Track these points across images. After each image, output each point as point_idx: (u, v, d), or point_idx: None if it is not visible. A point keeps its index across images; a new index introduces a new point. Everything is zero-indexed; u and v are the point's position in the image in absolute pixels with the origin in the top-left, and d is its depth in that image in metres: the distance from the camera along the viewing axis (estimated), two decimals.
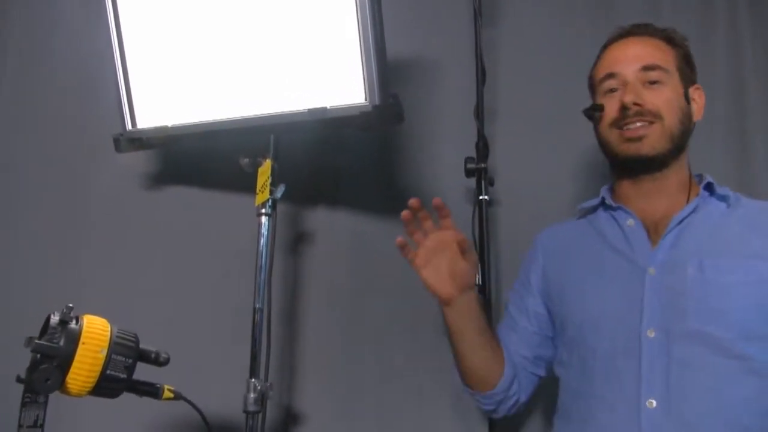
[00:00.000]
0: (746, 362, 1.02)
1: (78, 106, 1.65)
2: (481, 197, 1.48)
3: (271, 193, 1.32)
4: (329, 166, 1.62)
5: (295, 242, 1.58)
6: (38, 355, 0.92)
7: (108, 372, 0.96)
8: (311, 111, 1.28)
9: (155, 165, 1.62)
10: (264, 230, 1.33)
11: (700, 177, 1.20)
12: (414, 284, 1.58)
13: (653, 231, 1.15)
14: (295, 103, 1.29)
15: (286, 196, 1.34)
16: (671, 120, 1.14)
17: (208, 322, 1.53)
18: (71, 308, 0.96)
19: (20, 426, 0.91)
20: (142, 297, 1.54)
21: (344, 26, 1.23)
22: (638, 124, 1.14)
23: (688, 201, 1.15)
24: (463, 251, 1.13)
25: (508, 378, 1.21)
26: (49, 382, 0.91)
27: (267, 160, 1.35)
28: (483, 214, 1.48)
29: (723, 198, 1.15)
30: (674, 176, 1.17)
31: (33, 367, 0.92)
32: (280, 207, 1.37)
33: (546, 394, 1.31)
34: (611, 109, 1.18)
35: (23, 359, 0.94)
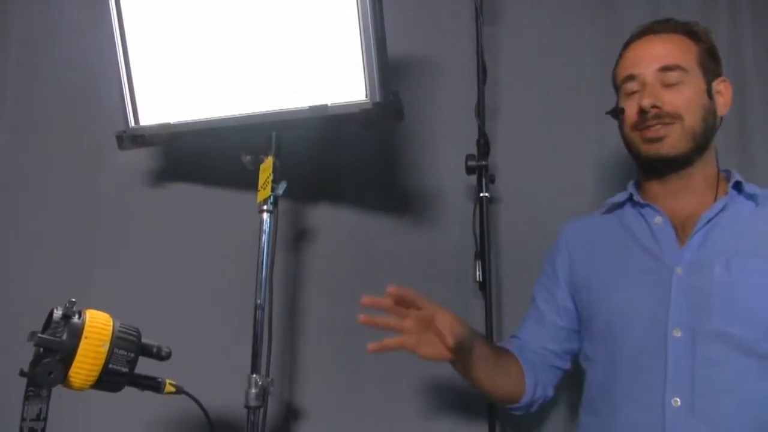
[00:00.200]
0: None
1: (81, 104, 1.65)
2: (481, 194, 1.49)
3: (273, 190, 1.33)
4: (331, 163, 1.62)
5: (297, 239, 1.59)
6: (41, 349, 0.93)
7: (110, 366, 0.97)
8: (312, 108, 1.28)
9: (158, 162, 1.63)
10: (265, 227, 1.33)
11: (728, 173, 1.19)
12: (414, 282, 1.60)
13: (681, 229, 1.14)
14: (296, 100, 1.30)
15: (287, 193, 1.35)
16: (692, 119, 1.13)
17: (210, 317, 1.54)
18: (74, 303, 0.97)
19: (23, 419, 0.92)
20: (145, 292, 1.55)
21: (345, 24, 1.23)
22: (658, 125, 1.14)
23: (716, 199, 1.14)
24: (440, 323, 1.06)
25: (531, 389, 1.23)
26: (51, 375, 0.92)
27: (269, 158, 1.35)
28: (484, 212, 1.48)
29: (751, 197, 1.14)
30: (700, 174, 1.16)
31: (36, 360, 0.93)
32: (281, 204, 1.37)
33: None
34: (631, 112, 1.17)
35: (26, 353, 0.95)
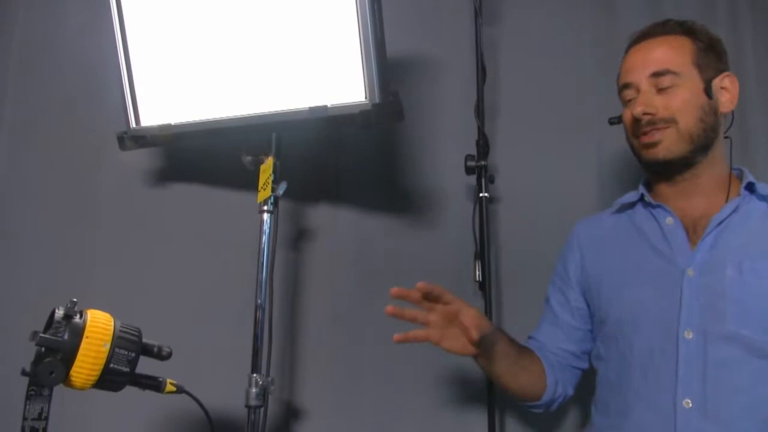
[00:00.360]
0: None
1: (82, 105, 1.66)
2: (481, 194, 1.49)
3: (273, 190, 1.33)
4: (331, 163, 1.63)
5: (297, 239, 1.59)
6: (43, 349, 0.93)
7: (111, 365, 0.97)
8: (312, 109, 1.29)
9: (159, 163, 1.63)
10: (266, 227, 1.33)
11: (740, 172, 1.18)
12: (414, 282, 1.61)
13: (692, 230, 1.14)
14: (296, 101, 1.30)
15: (287, 194, 1.35)
16: (687, 122, 1.12)
17: (210, 317, 1.54)
18: (75, 303, 0.97)
19: (25, 418, 0.92)
20: (146, 292, 1.55)
21: (345, 25, 1.24)
22: (652, 131, 1.14)
23: (727, 199, 1.13)
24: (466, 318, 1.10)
25: (552, 386, 1.24)
26: (53, 375, 0.92)
27: (269, 158, 1.36)
28: (483, 212, 1.49)
29: (764, 198, 1.13)
30: (706, 174, 1.16)
31: (38, 360, 0.93)
32: (281, 204, 1.38)
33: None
34: (628, 120, 1.18)
35: (28, 353, 0.95)
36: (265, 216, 1.34)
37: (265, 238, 1.33)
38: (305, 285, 1.58)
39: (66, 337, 0.94)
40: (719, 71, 1.16)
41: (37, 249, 1.60)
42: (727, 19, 1.69)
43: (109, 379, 0.98)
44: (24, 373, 0.93)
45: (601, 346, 1.21)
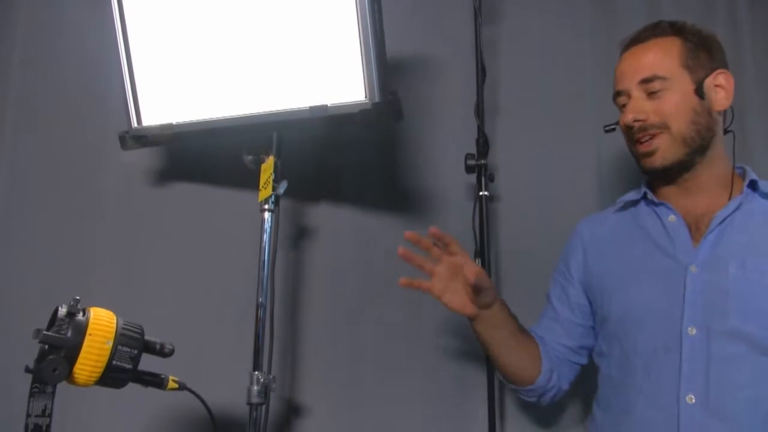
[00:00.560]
0: None
1: (84, 105, 1.66)
2: (481, 193, 1.49)
3: (274, 189, 1.34)
4: (331, 162, 1.63)
5: (298, 238, 1.60)
6: (46, 346, 0.94)
7: (114, 362, 0.97)
8: (312, 109, 1.29)
9: (160, 162, 1.64)
10: (267, 226, 1.34)
11: (743, 170, 1.18)
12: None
13: (695, 228, 1.14)
14: (296, 101, 1.31)
15: (288, 192, 1.36)
16: (679, 125, 1.12)
17: (212, 315, 1.55)
18: (78, 300, 0.98)
19: (28, 415, 0.92)
20: (148, 291, 1.56)
21: (345, 25, 1.24)
22: (646, 138, 1.14)
23: (730, 197, 1.13)
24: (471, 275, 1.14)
25: (546, 373, 1.24)
26: (56, 372, 0.92)
27: (270, 157, 1.37)
28: (483, 210, 1.49)
29: (767, 195, 1.13)
30: (706, 173, 1.16)
31: (41, 357, 0.94)
32: (282, 203, 1.39)
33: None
34: (623, 127, 1.19)
35: (31, 351, 0.96)
36: (266, 215, 1.35)
37: (266, 237, 1.34)
38: (306, 283, 1.59)
39: (69, 334, 0.95)
40: (712, 69, 1.15)
41: (40, 247, 1.61)
42: (726, 18, 1.69)
43: (112, 376, 0.98)
44: (28, 370, 0.93)
45: (603, 343, 1.22)
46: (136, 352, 1.01)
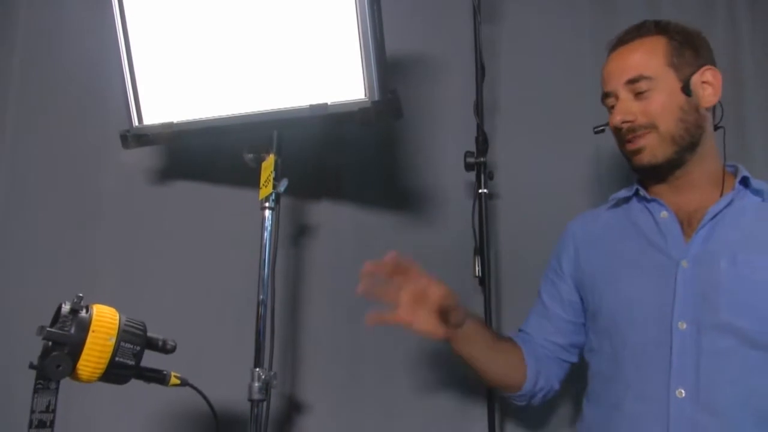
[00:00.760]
0: None
1: (85, 104, 1.67)
2: (480, 191, 1.50)
3: (275, 187, 1.34)
4: (331, 160, 1.64)
5: (298, 235, 1.61)
6: (50, 343, 0.94)
7: (117, 359, 0.98)
8: (312, 107, 1.30)
9: (161, 160, 1.64)
10: (267, 224, 1.35)
11: (735, 168, 1.18)
12: None
13: (687, 224, 1.14)
14: (297, 99, 1.31)
15: (289, 190, 1.36)
16: (667, 124, 1.13)
17: (214, 312, 1.56)
18: (81, 298, 0.98)
19: (32, 411, 0.92)
20: (149, 288, 1.56)
21: (344, 24, 1.25)
22: (634, 138, 1.15)
23: (722, 194, 1.14)
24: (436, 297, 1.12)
25: (532, 377, 1.24)
26: (60, 368, 0.93)
27: (270, 155, 1.37)
28: (483, 208, 1.50)
29: (758, 192, 1.13)
30: (697, 170, 1.16)
31: (45, 354, 0.94)
32: (283, 201, 1.39)
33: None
34: (612, 128, 1.19)
35: (35, 348, 0.97)
36: (267, 213, 1.35)
37: (266, 235, 1.34)
38: (307, 280, 1.59)
39: (73, 331, 0.95)
40: (698, 66, 1.15)
41: (41, 246, 1.61)
42: (726, 17, 1.70)
43: (115, 372, 0.99)
44: (32, 366, 0.94)
45: (594, 339, 1.22)
46: (138, 348, 1.01)
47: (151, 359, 1.05)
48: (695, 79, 1.15)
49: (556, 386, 1.29)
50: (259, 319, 1.31)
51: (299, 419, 1.54)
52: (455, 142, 1.58)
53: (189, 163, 1.63)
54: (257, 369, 1.28)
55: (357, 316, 1.57)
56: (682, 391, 1.04)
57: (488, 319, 1.47)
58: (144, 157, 1.63)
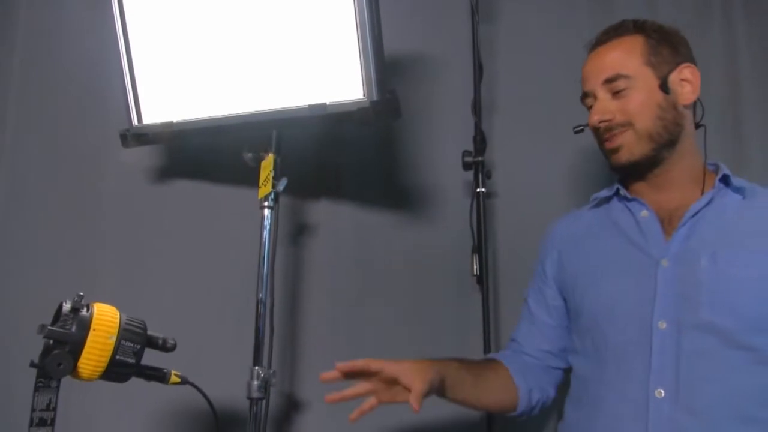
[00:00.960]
0: (755, 353, 1.02)
1: (85, 103, 1.67)
2: (478, 190, 1.51)
3: (274, 186, 1.35)
4: (330, 160, 1.64)
5: (297, 234, 1.61)
6: (51, 341, 0.94)
7: (117, 357, 0.98)
8: (311, 107, 1.30)
9: (161, 160, 1.65)
10: (267, 223, 1.35)
11: (716, 166, 1.17)
12: (413, 276, 1.62)
13: (667, 222, 1.13)
14: (296, 99, 1.32)
15: (288, 190, 1.37)
16: (644, 122, 1.12)
17: (213, 311, 1.56)
18: (82, 296, 0.98)
19: (33, 410, 0.93)
20: (149, 287, 1.57)
21: (343, 24, 1.25)
22: (611, 136, 1.15)
23: (702, 192, 1.13)
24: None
25: (525, 396, 1.22)
26: (61, 366, 0.93)
27: (269, 155, 1.37)
28: (481, 207, 1.51)
29: (739, 190, 1.12)
30: (677, 168, 1.16)
31: (46, 352, 0.94)
32: (282, 200, 1.39)
33: None
34: (591, 128, 1.19)
35: (36, 346, 0.97)
36: (266, 212, 1.36)
37: (266, 234, 1.35)
38: (306, 279, 1.60)
39: (73, 329, 0.96)
40: (677, 64, 1.15)
41: (41, 246, 1.61)
42: (722, 20, 1.70)
43: (116, 371, 0.99)
44: (33, 364, 0.94)
45: (576, 340, 1.21)
46: (139, 346, 1.01)
47: (151, 357, 1.05)
48: (673, 76, 1.14)
49: (552, 393, 1.27)
50: (259, 317, 1.32)
51: (298, 417, 1.54)
52: (453, 141, 1.59)
53: (188, 162, 1.63)
54: (256, 367, 1.28)
55: (356, 315, 1.59)
56: (662, 391, 1.03)
57: (486, 317, 1.47)
58: (144, 157, 1.63)
